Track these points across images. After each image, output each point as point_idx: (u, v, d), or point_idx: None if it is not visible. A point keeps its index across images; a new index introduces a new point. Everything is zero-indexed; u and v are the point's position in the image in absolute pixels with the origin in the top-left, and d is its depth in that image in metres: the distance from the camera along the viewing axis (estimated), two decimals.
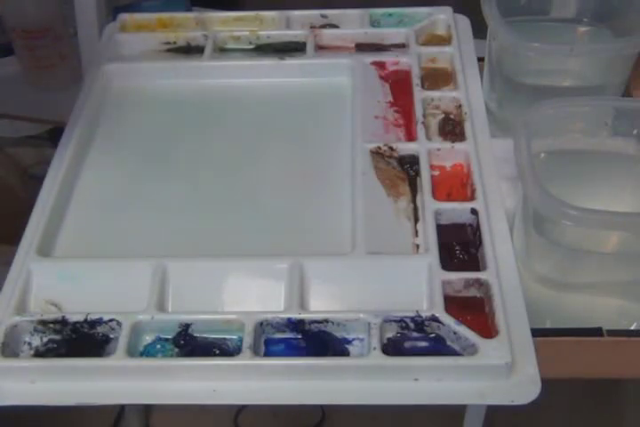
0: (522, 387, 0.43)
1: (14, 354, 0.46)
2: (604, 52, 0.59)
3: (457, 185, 0.55)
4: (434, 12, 0.68)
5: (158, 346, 0.46)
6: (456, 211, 0.52)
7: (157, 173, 0.57)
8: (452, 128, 0.58)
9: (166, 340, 0.47)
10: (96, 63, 0.66)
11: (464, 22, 0.68)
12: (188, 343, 0.46)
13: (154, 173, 0.57)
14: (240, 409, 1.15)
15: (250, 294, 0.48)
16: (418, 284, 0.48)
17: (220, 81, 0.65)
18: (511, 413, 1.08)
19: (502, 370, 0.43)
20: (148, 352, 0.46)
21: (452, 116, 0.59)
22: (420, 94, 0.60)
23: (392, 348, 0.45)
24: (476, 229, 0.51)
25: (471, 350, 0.44)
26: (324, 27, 0.69)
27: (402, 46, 0.66)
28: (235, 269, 0.49)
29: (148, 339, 0.47)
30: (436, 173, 0.55)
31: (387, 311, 0.46)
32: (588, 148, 0.59)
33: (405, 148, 0.56)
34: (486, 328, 0.46)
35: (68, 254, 0.51)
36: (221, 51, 0.68)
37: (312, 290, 0.48)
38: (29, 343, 0.47)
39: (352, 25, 0.68)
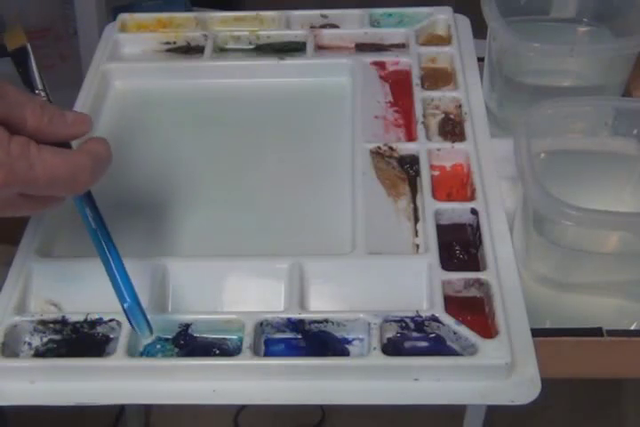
0: (522, 387, 0.43)
1: (14, 354, 0.46)
2: (604, 52, 0.59)
3: (457, 185, 0.55)
4: (434, 11, 0.68)
5: (158, 346, 0.46)
6: (456, 211, 0.52)
7: (157, 173, 0.57)
8: (451, 128, 0.58)
9: (166, 340, 0.47)
10: (96, 63, 0.66)
11: (464, 22, 0.68)
12: (188, 343, 0.46)
13: (153, 173, 0.57)
14: (240, 409, 1.15)
15: (250, 294, 0.48)
16: (418, 284, 0.48)
17: (220, 81, 0.65)
18: (511, 413, 1.08)
19: (502, 370, 0.43)
20: (147, 352, 0.46)
21: (451, 116, 0.59)
22: (420, 94, 0.60)
23: (392, 348, 0.45)
24: (476, 229, 0.51)
25: (471, 350, 0.44)
26: (324, 27, 0.68)
27: (402, 46, 0.66)
28: (235, 269, 0.49)
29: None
30: (436, 173, 0.55)
31: (387, 311, 0.46)
32: (588, 148, 0.59)
33: (405, 148, 0.56)
34: (486, 328, 0.46)
35: (68, 254, 0.51)
36: (221, 51, 0.68)
37: (312, 290, 0.48)
38: (29, 343, 0.47)
39: (352, 25, 0.68)
